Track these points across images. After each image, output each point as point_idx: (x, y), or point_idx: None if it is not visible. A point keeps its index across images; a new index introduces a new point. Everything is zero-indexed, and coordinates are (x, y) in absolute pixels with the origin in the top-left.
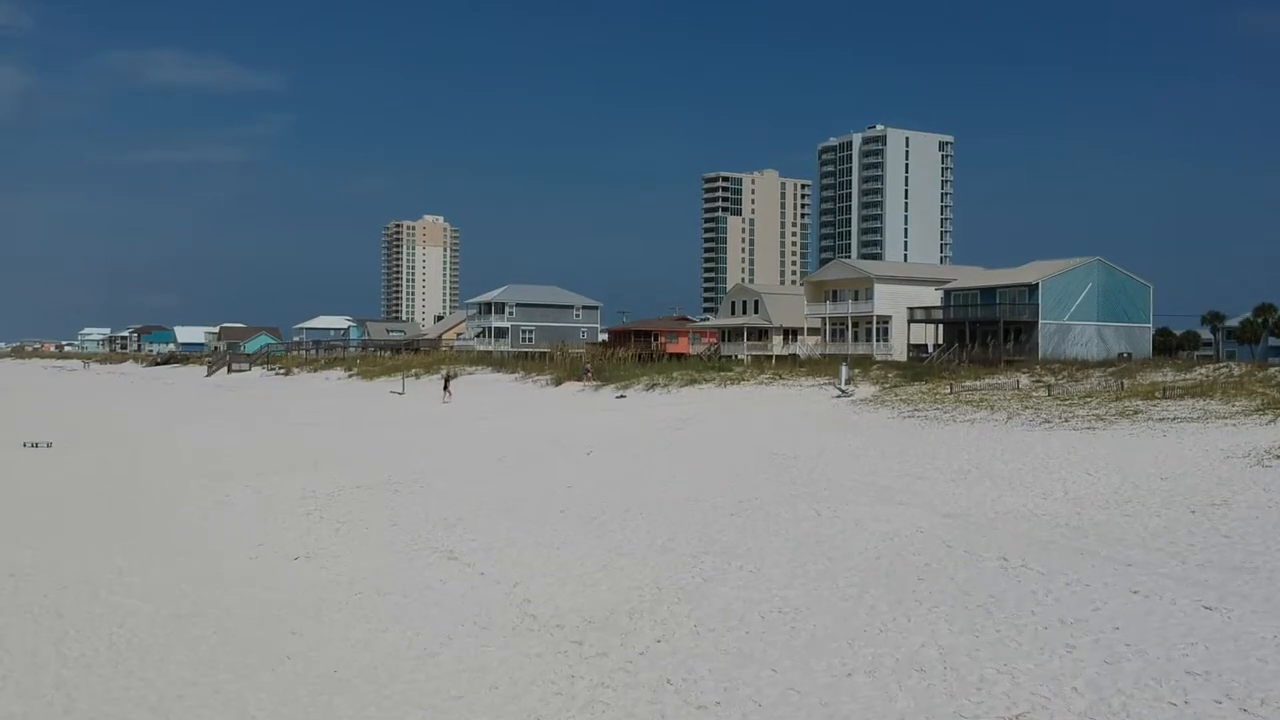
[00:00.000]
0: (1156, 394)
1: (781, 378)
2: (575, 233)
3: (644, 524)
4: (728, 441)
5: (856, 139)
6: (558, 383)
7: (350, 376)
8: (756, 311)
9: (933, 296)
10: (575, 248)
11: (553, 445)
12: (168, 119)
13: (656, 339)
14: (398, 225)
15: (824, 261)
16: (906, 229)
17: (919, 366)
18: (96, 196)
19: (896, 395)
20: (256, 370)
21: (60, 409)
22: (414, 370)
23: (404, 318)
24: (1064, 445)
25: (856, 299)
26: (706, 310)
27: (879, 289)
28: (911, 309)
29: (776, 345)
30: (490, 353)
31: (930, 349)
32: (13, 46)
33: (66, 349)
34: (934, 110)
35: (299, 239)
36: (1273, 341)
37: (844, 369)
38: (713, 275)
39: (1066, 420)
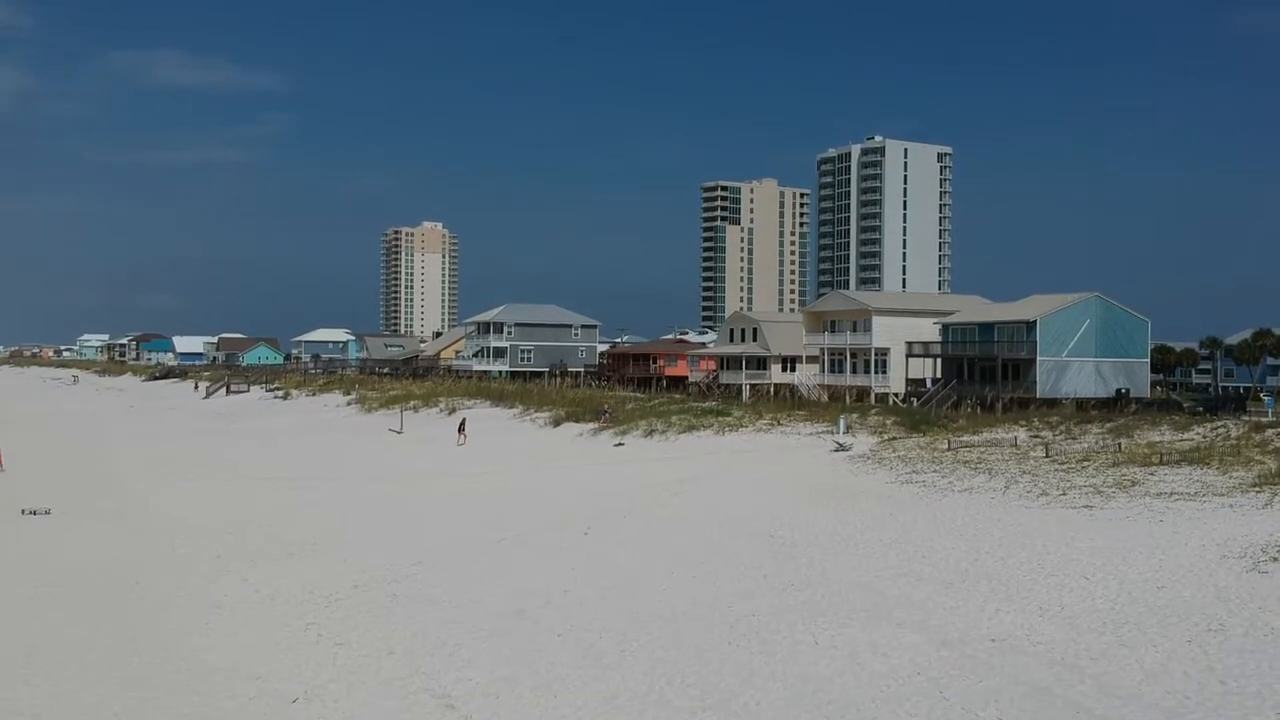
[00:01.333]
0: (1154, 459)
1: (779, 423)
2: (574, 239)
3: (642, 653)
4: (726, 515)
5: (855, 150)
6: (556, 423)
7: (349, 404)
8: (755, 339)
9: (931, 330)
10: (574, 254)
11: (551, 517)
12: (168, 120)
13: (655, 362)
14: (396, 232)
15: (823, 272)
16: (905, 241)
17: (917, 413)
18: (96, 197)
19: (895, 451)
20: (255, 391)
21: (57, 443)
22: (412, 403)
23: (403, 326)
24: (1061, 532)
25: (855, 330)
26: (705, 322)
27: (877, 321)
28: (910, 343)
29: (775, 373)
30: (487, 374)
31: (928, 384)
32: (13, 47)
33: (65, 354)
34: (933, 117)
35: (298, 241)
36: (1271, 361)
37: (842, 421)
38: (711, 284)
39: (1064, 493)
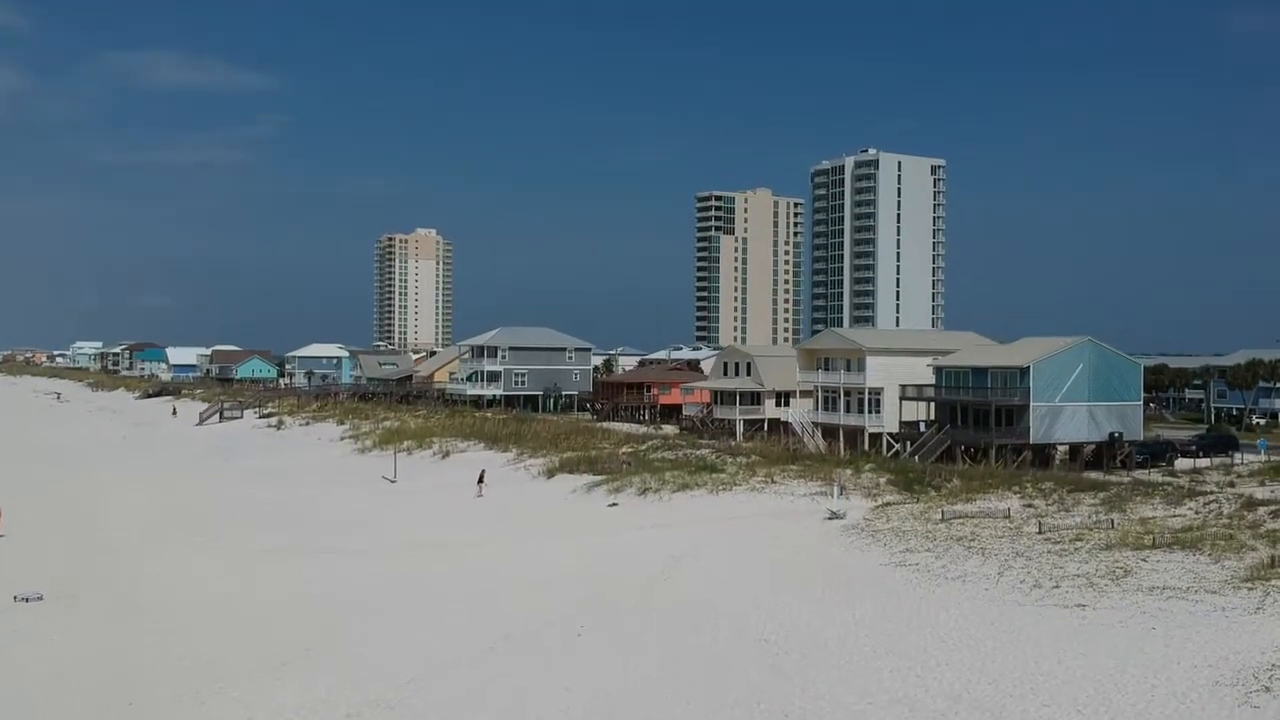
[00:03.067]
0: (1147, 539)
1: (773, 480)
2: (570, 246)
3: None
4: (720, 612)
5: (849, 162)
6: (550, 474)
7: (343, 438)
8: (749, 374)
9: (925, 371)
10: (569, 262)
11: (545, 607)
12: (163, 120)
13: (649, 390)
14: (390, 238)
15: (817, 284)
16: (899, 254)
17: (910, 471)
18: (90, 197)
19: (888, 521)
20: (249, 417)
21: (53, 492)
22: (406, 443)
23: (396, 333)
24: (1053, 644)
25: (849, 369)
26: (700, 330)
27: (871, 361)
28: (904, 386)
29: (769, 408)
30: (481, 398)
31: (922, 427)
32: (9, 47)
33: (59, 359)
34: (926, 128)
35: (293, 243)
36: (1264, 384)
37: (836, 487)
38: (705, 294)
39: (1057, 585)
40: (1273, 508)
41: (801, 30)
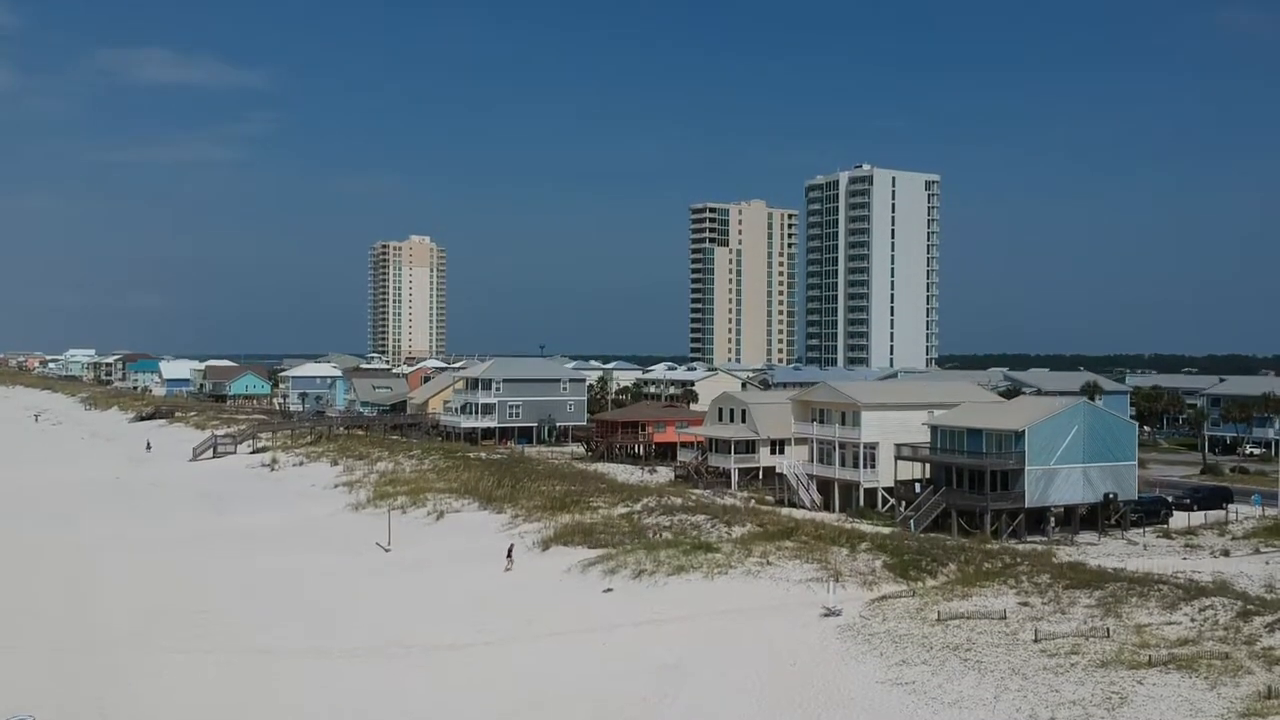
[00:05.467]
0: (1142, 655)
1: (769, 563)
2: (566, 250)
3: None
4: None
5: (843, 178)
6: (545, 546)
7: (336, 486)
8: (743, 420)
9: (920, 426)
10: (565, 267)
11: None
12: (155, 117)
13: (644, 429)
14: (384, 246)
15: (811, 299)
16: (893, 268)
17: (906, 554)
18: (82, 196)
19: (884, 621)
20: (243, 452)
21: (37, 567)
22: (399, 500)
23: (390, 343)
24: None
25: (844, 423)
26: (694, 342)
27: (866, 416)
28: (899, 446)
29: (763, 456)
30: (475, 432)
31: (918, 488)
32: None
33: (51, 365)
34: (920, 141)
35: (287, 243)
36: (1258, 414)
37: (830, 584)
38: (700, 306)
39: (1052, 717)
40: (1269, 619)
41: (796, 34)
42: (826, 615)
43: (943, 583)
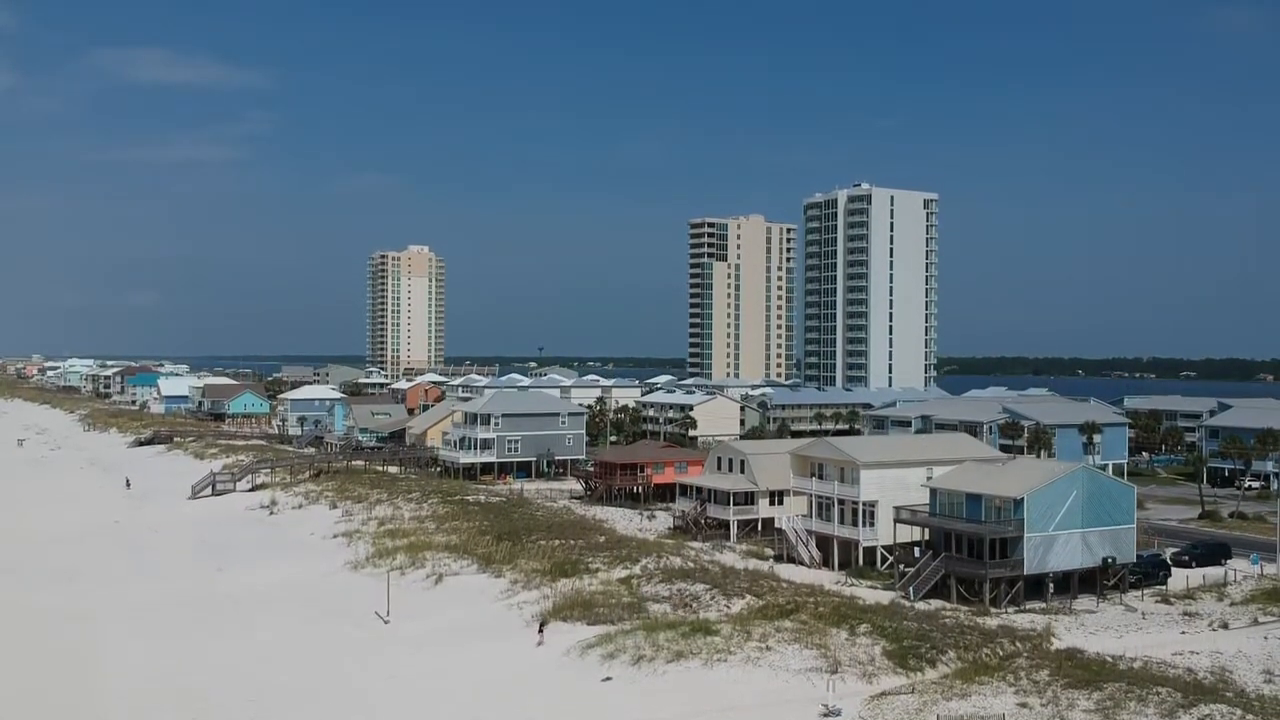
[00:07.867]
0: None
1: (769, 647)
2: (565, 254)
3: None
4: None
5: (841, 196)
6: (543, 623)
7: (335, 536)
8: (742, 471)
9: (919, 485)
10: (563, 272)
11: None
12: (153, 117)
13: (643, 471)
14: (383, 256)
15: (809, 317)
16: (892, 286)
17: (906, 638)
18: (79, 195)
19: (884, 718)
20: (242, 489)
21: (34, 639)
22: (397, 562)
23: (389, 353)
24: None
25: (843, 480)
26: (693, 357)
27: (865, 475)
28: (898, 508)
29: (762, 507)
30: (474, 467)
31: (917, 552)
32: None
33: (49, 373)
34: (919, 157)
35: (284, 243)
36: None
37: (829, 680)
38: (699, 321)
39: None
40: None
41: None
42: (826, 716)
43: (942, 675)
